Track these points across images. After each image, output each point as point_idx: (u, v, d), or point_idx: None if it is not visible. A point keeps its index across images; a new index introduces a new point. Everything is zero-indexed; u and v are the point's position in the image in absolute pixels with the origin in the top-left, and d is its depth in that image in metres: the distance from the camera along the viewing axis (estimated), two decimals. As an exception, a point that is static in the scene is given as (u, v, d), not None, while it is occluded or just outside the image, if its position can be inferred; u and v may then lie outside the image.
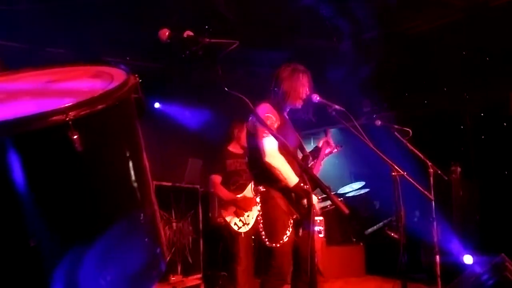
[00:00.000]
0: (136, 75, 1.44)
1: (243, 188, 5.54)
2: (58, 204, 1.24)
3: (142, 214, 1.45)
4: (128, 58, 7.31)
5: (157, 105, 8.41)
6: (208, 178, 5.75)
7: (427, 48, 7.01)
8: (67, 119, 1.18)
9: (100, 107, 1.25)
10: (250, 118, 3.98)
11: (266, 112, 3.80)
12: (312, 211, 2.96)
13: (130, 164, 1.42)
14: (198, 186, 6.81)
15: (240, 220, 5.46)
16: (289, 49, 6.70)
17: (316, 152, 4.41)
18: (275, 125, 3.78)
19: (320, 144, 4.48)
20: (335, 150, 5.68)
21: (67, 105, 1.20)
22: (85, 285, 1.26)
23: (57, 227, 1.25)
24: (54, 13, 5.55)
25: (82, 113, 1.21)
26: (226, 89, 2.47)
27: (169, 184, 6.28)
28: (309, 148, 4.48)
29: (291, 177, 3.66)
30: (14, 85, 1.50)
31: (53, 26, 5.70)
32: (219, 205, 5.95)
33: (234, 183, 5.59)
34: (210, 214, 7.17)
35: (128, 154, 1.41)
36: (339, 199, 7.97)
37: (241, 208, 5.45)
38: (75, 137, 1.19)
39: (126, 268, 1.38)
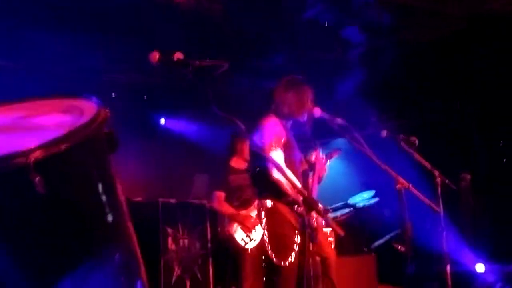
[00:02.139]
0: (107, 109, 1.40)
1: (246, 204, 5.49)
2: (23, 246, 1.22)
3: (117, 252, 1.41)
4: (132, 75, 7.33)
5: (162, 121, 8.41)
6: (211, 194, 5.71)
7: (435, 57, 6.95)
8: (28, 161, 1.15)
9: (63, 147, 1.21)
10: (253, 134, 3.92)
11: (274, 126, 3.76)
12: (308, 234, 2.90)
13: (103, 199, 1.38)
14: (205, 202, 6.77)
15: (247, 236, 5.41)
16: (293, 60, 6.68)
17: (311, 166, 4.34)
18: (282, 140, 3.73)
19: (313, 159, 4.39)
20: (336, 154, 5.63)
21: (29, 147, 1.17)
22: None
23: (22, 269, 1.22)
24: (58, 27, 5.56)
25: (44, 154, 1.18)
26: (218, 112, 2.44)
27: (174, 201, 6.24)
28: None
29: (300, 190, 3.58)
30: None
31: (49, 43, 5.70)
32: (227, 220, 5.90)
33: (238, 198, 5.55)
34: (219, 229, 7.13)
35: (100, 190, 1.37)
36: (347, 212, 7.92)
37: (243, 225, 5.40)
38: (36, 179, 1.16)
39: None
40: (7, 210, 1.19)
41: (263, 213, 3.82)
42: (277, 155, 3.58)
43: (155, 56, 2.57)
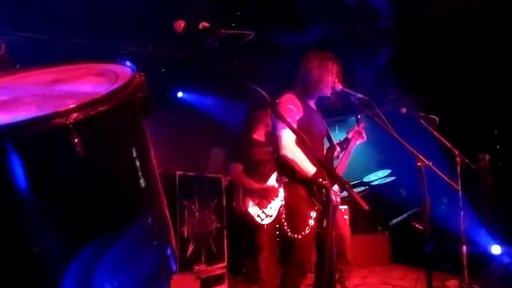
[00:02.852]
0: (142, 74, 1.40)
1: (266, 178, 5.48)
2: (61, 209, 1.21)
3: (150, 217, 1.41)
4: (150, 48, 7.30)
5: (180, 94, 8.40)
6: (229, 167, 5.70)
7: (455, 32, 6.82)
8: (68, 122, 1.14)
9: (102, 108, 1.21)
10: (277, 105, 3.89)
11: (288, 103, 3.73)
12: (331, 207, 2.89)
13: (137, 165, 1.38)
14: (221, 176, 6.79)
15: (263, 212, 5.42)
16: (314, 35, 6.60)
17: (345, 142, 4.31)
18: (297, 117, 3.71)
19: (350, 135, 4.36)
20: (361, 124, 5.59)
21: (68, 107, 1.17)
22: (90, 291, 1.23)
23: (60, 232, 1.22)
24: (74, 2, 5.54)
25: (83, 115, 1.17)
26: (242, 82, 2.42)
27: (192, 174, 6.25)
28: (334, 136, 4.37)
29: (308, 168, 3.58)
30: (18, 85, 1.48)
31: (73, 16, 5.70)
32: (243, 195, 5.92)
33: (258, 173, 5.54)
34: (234, 204, 7.15)
35: (134, 155, 1.37)
36: (362, 190, 7.92)
37: (263, 197, 5.41)
38: (76, 140, 1.15)
39: (133, 272, 1.35)
40: (46, 171, 1.19)
41: (281, 188, 3.84)
42: (287, 133, 3.57)
43: (180, 25, 2.54)
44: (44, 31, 6.19)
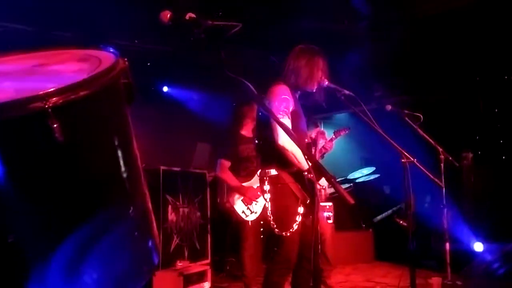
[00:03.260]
0: (125, 59, 1.35)
1: (252, 175, 5.44)
2: (38, 197, 1.17)
3: (131, 207, 1.37)
4: (136, 41, 7.22)
5: (165, 89, 8.33)
6: (216, 162, 5.64)
7: (440, 32, 6.85)
8: (46, 106, 1.10)
9: (83, 93, 1.16)
10: (264, 99, 3.83)
11: (283, 93, 3.68)
12: (317, 200, 2.87)
13: (119, 153, 1.34)
14: (206, 171, 6.74)
15: (248, 208, 5.38)
16: (299, 30, 6.57)
17: (312, 141, 4.34)
18: (290, 109, 3.67)
19: (313, 135, 4.39)
20: (344, 132, 5.63)
21: (47, 91, 1.12)
22: (68, 284, 1.18)
23: (36, 221, 1.18)
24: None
25: (63, 100, 1.13)
26: (228, 73, 2.37)
27: (177, 169, 6.20)
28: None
29: (304, 161, 3.54)
30: (-1, 68, 1.42)
31: (59, 8, 5.61)
32: (227, 191, 5.87)
33: (245, 169, 5.48)
34: (218, 200, 7.11)
35: (116, 143, 1.33)
36: (346, 187, 7.94)
37: (245, 196, 5.37)
38: (55, 125, 1.11)
39: (114, 264, 1.30)
40: (23, 158, 1.14)
41: (266, 183, 3.76)
42: (286, 123, 3.50)
43: (166, 15, 2.48)
44: (28, 23, 6.08)
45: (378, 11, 6.47)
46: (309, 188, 3.54)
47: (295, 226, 3.56)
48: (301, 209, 3.60)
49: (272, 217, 3.64)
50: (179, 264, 5.82)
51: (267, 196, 3.70)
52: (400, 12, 6.71)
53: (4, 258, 1.14)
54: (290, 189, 3.62)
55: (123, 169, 1.36)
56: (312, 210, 3.54)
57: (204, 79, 7.78)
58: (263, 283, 3.78)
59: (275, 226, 3.61)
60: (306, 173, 3.48)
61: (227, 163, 5.47)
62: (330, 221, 7.54)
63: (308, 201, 3.59)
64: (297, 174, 3.60)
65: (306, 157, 2.64)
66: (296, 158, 3.54)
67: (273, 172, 3.69)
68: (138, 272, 1.40)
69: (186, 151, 7.48)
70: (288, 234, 3.57)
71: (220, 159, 5.52)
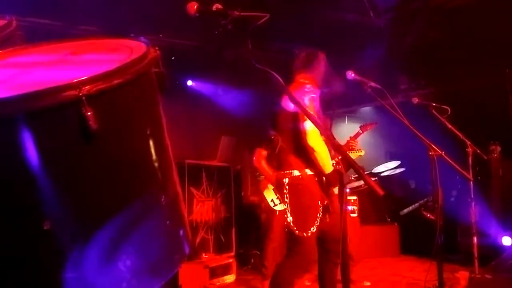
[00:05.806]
0: (156, 48, 1.35)
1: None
2: (73, 184, 1.18)
3: (163, 196, 1.37)
4: (161, 36, 7.25)
5: (190, 82, 8.35)
6: (253, 151, 5.54)
7: (466, 22, 6.73)
8: (80, 94, 1.10)
9: (116, 81, 1.16)
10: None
11: (312, 92, 3.69)
12: (345, 193, 2.84)
13: (151, 142, 1.34)
14: (230, 165, 6.75)
15: (277, 197, 5.35)
16: (324, 24, 6.53)
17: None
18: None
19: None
20: (371, 126, 5.60)
21: (80, 79, 1.12)
22: (103, 271, 1.19)
23: (72, 209, 1.18)
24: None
25: (97, 88, 1.13)
26: (256, 64, 2.36)
27: (202, 162, 6.23)
28: (344, 127, 4.38)
29: (327, 165, 3.57)
30: (30, 58, 1.44)
31: (83, 2, 5.66)
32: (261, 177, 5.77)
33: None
34: (242, 193, 7.12)
35: (148, 132, 1.33)
36: (374, 180, 7.91)
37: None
38: (89, 113, 1.11)
39: (147, 252, 1.31)
40: (58, 146, 1.15)
41: (285, 184, 3.73)
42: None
43: (193, 6, 2.48)
44: (54, 18, 6.14)
45: (402, 2, 6.39)
46: (333, 185, 3.57)
47: (314, 227, 3.56)
48: (321, 210, 3.60)
49: (292, 218, 3.62)
50: (205, 256, 5.86)
51: (286, 196, 3.70)
52: (426, 2, 6.62)
53: (40, 246, 1.15)
54: (311, 190, 3.62)
55: (154, 157, 1.36)
56: (339, 202, 3.54)
57: (229, 72, 7.78)
58: (274, 277, 3.76)
59: (294, 225, 3.60)
60: (333, 163, 3.47)
61: (264, 152, 5.41)
62: (355, 215, 7.49)
63: (326, 201, 3.61)
64: (318, 173, 3.61)
65: (335, 148, 2.61)
66: (322, 160, 3.55)
67: (296, 172, 3.69)
68: (170, 260, 1.41)
69: (211, 144, 7.49)
70: (309, 234, 3.56)
71: (257, 148, 5.46)
